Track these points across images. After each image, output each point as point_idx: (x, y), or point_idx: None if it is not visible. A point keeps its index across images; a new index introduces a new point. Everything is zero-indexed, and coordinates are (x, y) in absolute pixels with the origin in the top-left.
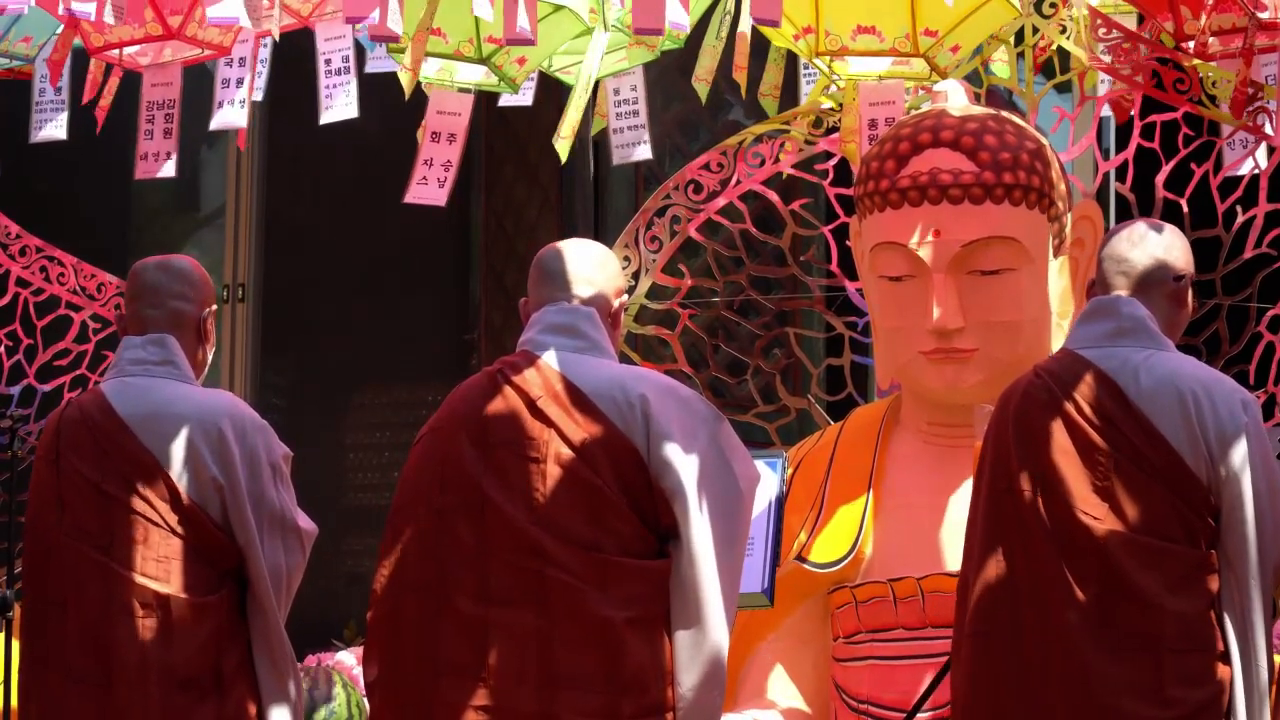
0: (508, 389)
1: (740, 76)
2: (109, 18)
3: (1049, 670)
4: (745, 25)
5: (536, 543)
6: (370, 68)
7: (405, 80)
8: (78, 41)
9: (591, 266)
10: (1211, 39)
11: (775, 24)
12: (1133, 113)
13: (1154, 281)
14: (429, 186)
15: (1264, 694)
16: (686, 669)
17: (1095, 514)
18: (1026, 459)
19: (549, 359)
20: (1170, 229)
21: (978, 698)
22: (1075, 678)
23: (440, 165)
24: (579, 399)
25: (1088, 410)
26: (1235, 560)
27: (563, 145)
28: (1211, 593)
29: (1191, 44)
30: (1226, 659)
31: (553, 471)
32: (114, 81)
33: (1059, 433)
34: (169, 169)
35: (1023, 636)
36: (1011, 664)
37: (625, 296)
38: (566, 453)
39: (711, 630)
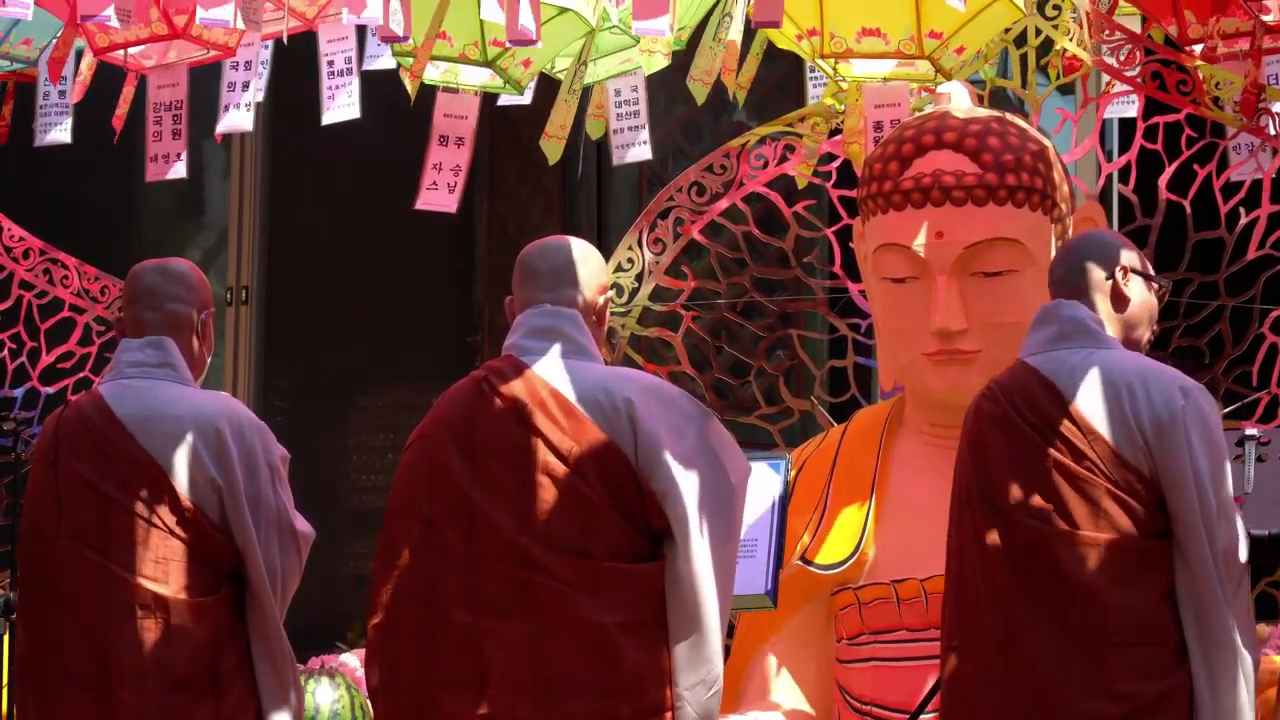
0: (494, 397)
1: (728, 79)
2: (115, 23)
3: (1009, 676)
4: (736, 32)
5: (525, 551)
6: (367, 64)
7: (410, 86)
8: (82, 42)
9: (573, 265)
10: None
11: (776, 25)
12: (1136, 114)
13: (1086, 284)
14: (439, 192)
15: (1235, 684)
16: (683, 669)
17: (1040, 516)
18: (978, 470)
19: (533, 365)
20: (1101, 232)
21: (954, 711)
22: (1030, 680)
23: (449, 170)
24: (564, 406)
25: (1029, 414)
26: (1185, 547)
27: (549, 145)
28: (1165, 583)
29: (1198, 47)
30: (1186, 651)
31: (540, 480)
32: (129, 90)
33: (1003, 440)
34: (179, 170)
35: (985, 646)
36: (978, 675)
37: (610, 293)
38: (553, 460)
39: (708, 629)
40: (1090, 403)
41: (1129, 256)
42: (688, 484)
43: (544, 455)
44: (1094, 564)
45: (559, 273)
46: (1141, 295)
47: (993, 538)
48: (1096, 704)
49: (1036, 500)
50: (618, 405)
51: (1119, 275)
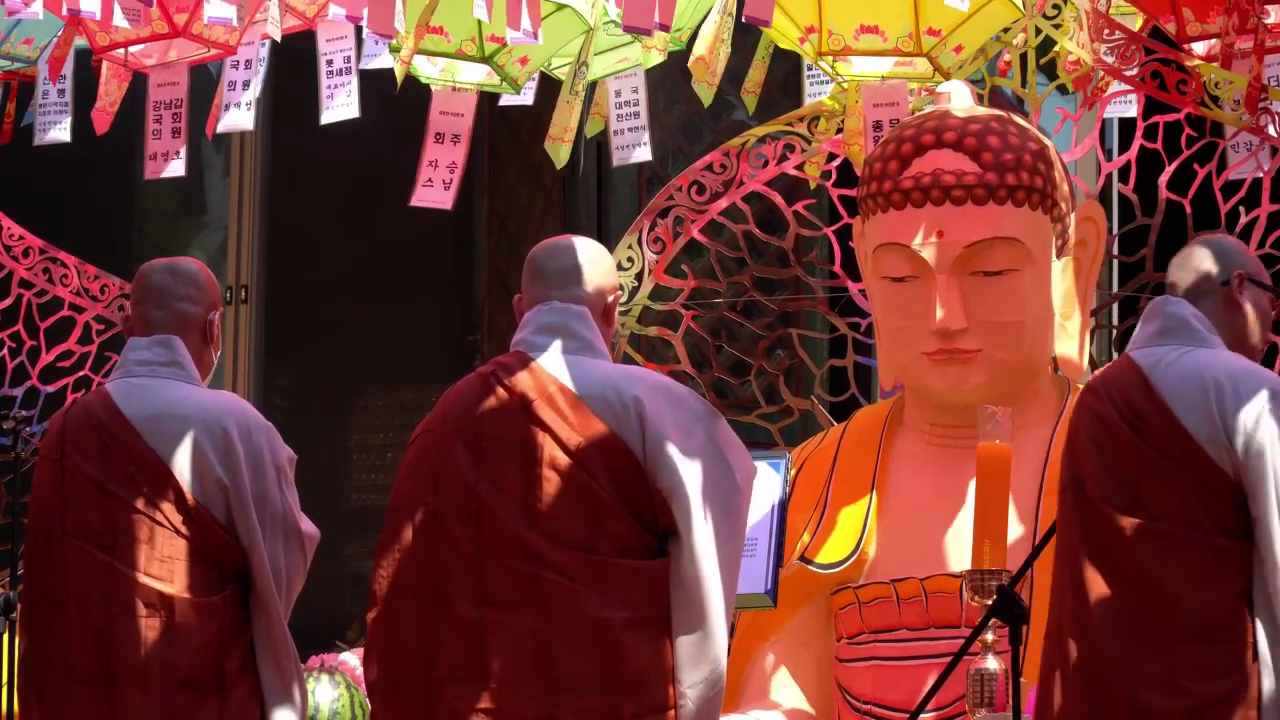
0: (501, 391)
1: (697, 67)
2: (120, 20)
3: (1079, 661)
4: (707, 31)
5: (532, 547)
6: (365, 64)
7: (398, 72)
8: (82, 41)
9: (583, 263)
10: (1214, 40)
11: (766, 24)
12: (1136, 113)
13: (1201, 287)
14: (434, 189)
15: None
16: (687, 667)
17: (1120, 505)
18: (1070, 458)
19: (541, 361)
20: (1221, 237)
21: (1043, 699)
22: (1096, 668)
23: (445, 167)
24: (572, 402)
25: (1121, 405)
26: (1262, 546)
27: (554, 148)
28: (1243, 583)
29: (1197, 46)
30: (1258, 652)
31: (547, 475)
32: (121, 85)
33: (1096, 429)
34: (177, 168)
35: (1064, 633)
36: (1059, 663)
37: (619, 292)
38: (561, 456)
39: (712, 627)
40: (1178, 398)
41: (1246, 263)
42: (694, 483)
43: (551, 450)
44: (1168, 557)
45: (569, 271)
46: (1256, 302)
47: (1076, 524)
48: (1160, 698)
49: (1118, 489)
50: (626, 402)
51: (1234, 281)
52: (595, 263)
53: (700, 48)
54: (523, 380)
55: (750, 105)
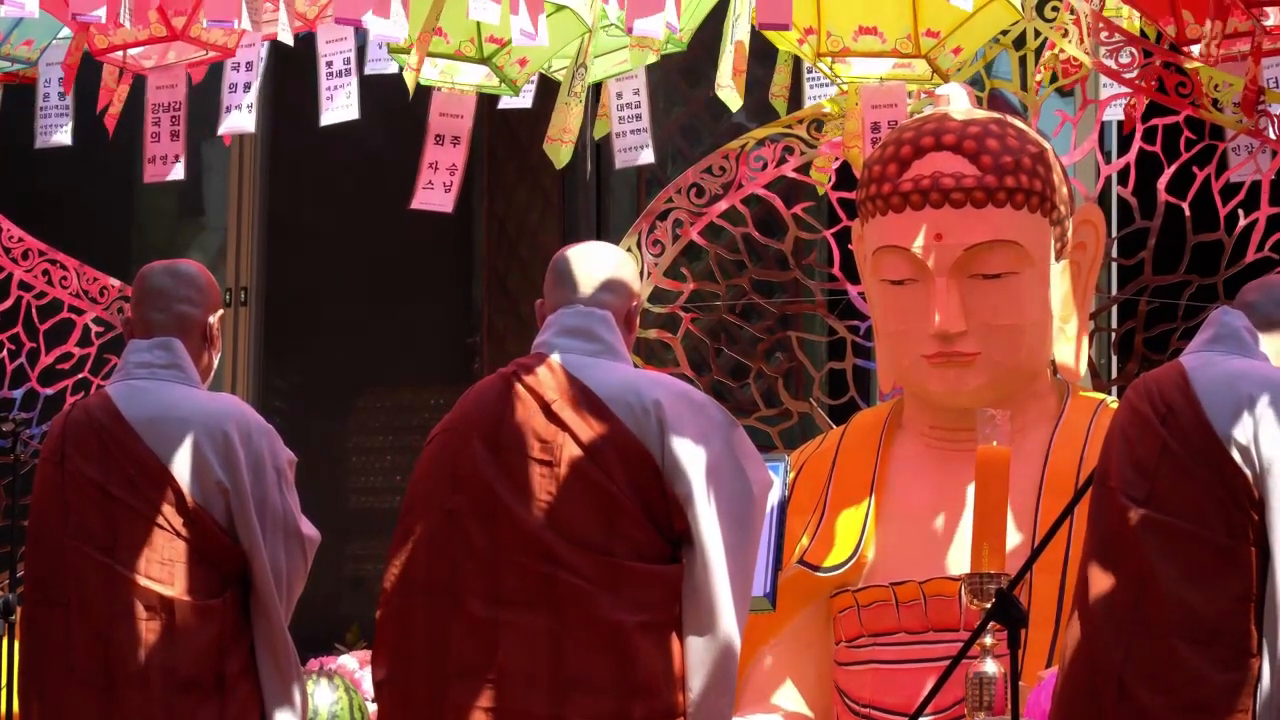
0: (522, 391)
1: (739, 81)
2: (123, 20)
3: (1074, 650)
4: (743, 32)
5: (548, 547)
6: (370, 69)
7: (409, 80)
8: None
9: (607, 269)
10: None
11: (785, 28)
12: (1135, 116)
13: (1275, 321)
14: (435, 191)
15: None
16: (697, 673)
17: (1136, 497)
18: (1103, 452)
19: (563, 362)
20: None
21: (1060, 687)
22: (1092, 661)
23: (445, 169)
24: (593, 403)
25: (1158, 400)
26: (1275, 555)
27: (553, 149)
28: (1243, 589)
29: (1195, 48)
30: (1252, 657)
31: (565, 475)
32: (124, 88)
33: (1128, 423)
34: (177, 171)
35: (1071, 618)
36: (1066, 647)
37: (641, 298)
38: (580, 457)
39: (723, 635)
40: (1212, 397)
41: None
42: (711, 491)
43: (571, 451)
44: (1172, 554)
45: (593, 276)
46: None
47: (1092, 511)
48: (1148, 694)
49: (1136, 480)
50: (647, 407)
51: None
52: (620, 268)
53: (739, 62)
54: (544, 381)
55: (781, 109)
